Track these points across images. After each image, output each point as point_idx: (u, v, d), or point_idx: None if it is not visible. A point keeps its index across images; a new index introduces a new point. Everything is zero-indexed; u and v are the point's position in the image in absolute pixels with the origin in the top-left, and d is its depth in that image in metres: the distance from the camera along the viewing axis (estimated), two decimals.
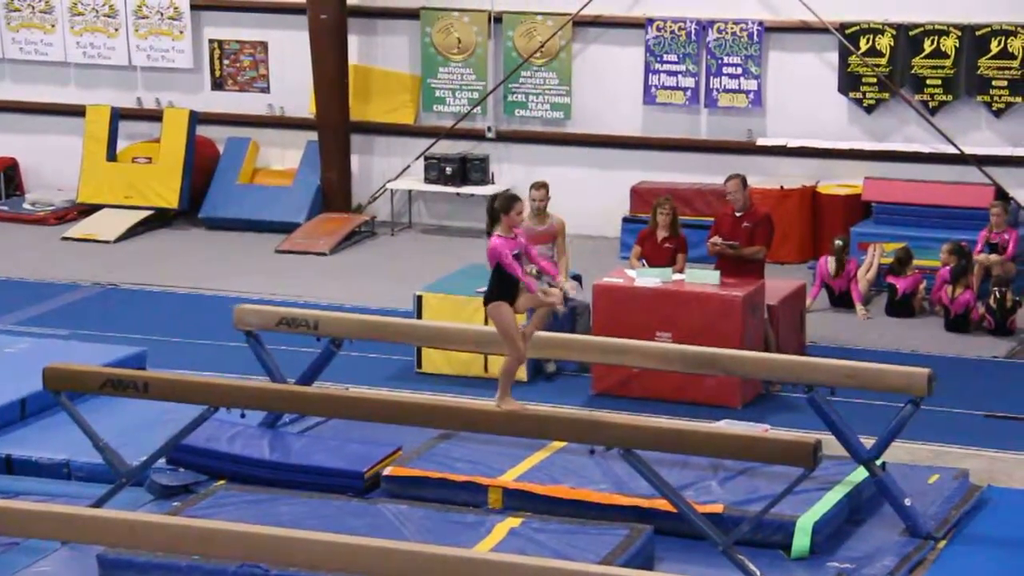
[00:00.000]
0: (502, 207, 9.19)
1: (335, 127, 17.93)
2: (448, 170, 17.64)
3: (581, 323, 13.09)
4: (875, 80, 16.53)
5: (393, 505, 9.65)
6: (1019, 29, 16.05)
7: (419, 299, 13.15)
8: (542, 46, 17.55)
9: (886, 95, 16.58)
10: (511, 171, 17.81)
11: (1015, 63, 16.09)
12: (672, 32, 17.08)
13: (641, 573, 8.26)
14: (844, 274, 14.89)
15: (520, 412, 9.14)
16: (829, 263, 14.94)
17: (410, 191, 18.14)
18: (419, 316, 13.03)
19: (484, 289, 13.07)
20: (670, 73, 17.15)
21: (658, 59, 17.16)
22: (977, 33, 16.18)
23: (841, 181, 16.69)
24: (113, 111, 18.57)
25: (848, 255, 14.99)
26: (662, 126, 17.34)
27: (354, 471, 10.15)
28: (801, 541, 9.28)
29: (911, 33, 16.39)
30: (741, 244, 13.06)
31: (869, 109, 16.69)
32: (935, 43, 16.32)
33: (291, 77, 18.44)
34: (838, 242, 15.01)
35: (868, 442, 9.79)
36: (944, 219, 15.90)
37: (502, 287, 9.18)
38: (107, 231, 17.79)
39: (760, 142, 17.01)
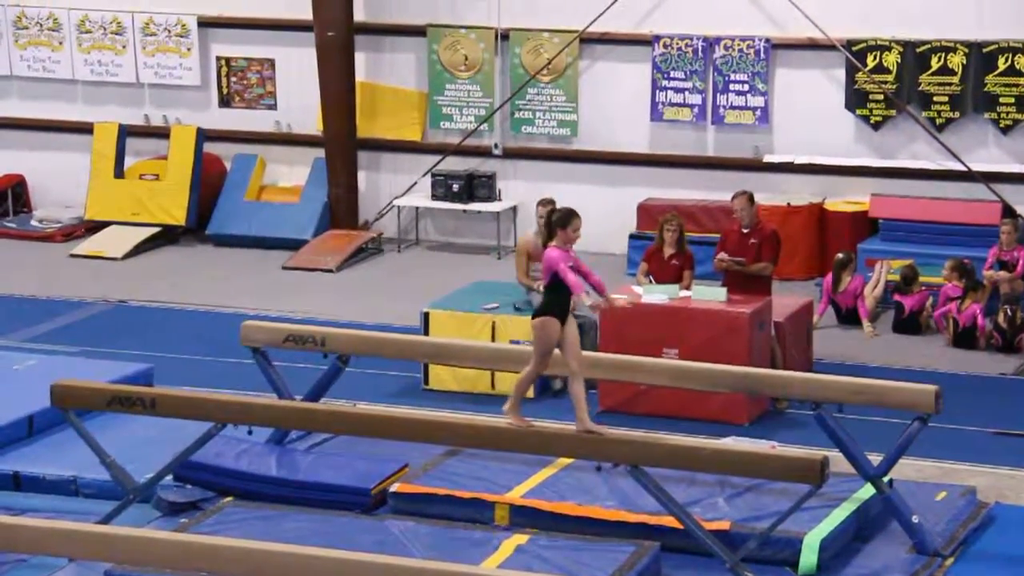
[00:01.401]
0: (559, 222, 9.01)
1: (342, 144, 17.95)
2: (455, 187, 17.66)
3: (588, 340, 13.06)
4: (882, 97, 16.54)
5: (400, 522, 9.64)
6: None
7: (426, 315, 13.16)
8: (549, 63, 17.58)
9: (893, 112, 16.59)
10: (518, 188, 17.82)
11: (1022, 80, 16.09)
12: (679, 49, 17.10)
13: None
14: (850, 290, 14.89)
15: (525, 429, 9.12)
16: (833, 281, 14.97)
17: (417, 208, 18.16)
18: (426, 332, 13.04)
19: (492, 305, 13.20)
20: (677, 90, 17.17)
21: (665, 76, 17.18)
22: (984, 50, 16.19)
23: (848, 198, 16.69)
24: (120, 128, 18.61)
25: (852, 271, 14.97)
26: (669, 143, 17.35)
27: (361, 488, 10.15)
28: (808, 558, 9.27)
29: (918, 50, 16.40)
30: (748, 261, 13.06)
31: (876, 126, 16.70)
32: (942, 60, 16.33)
33: (298, 94, 18.47)
34: (839, 256, 15.02)
35: (875, 459, 9.78)
36: (951, 236, 15.89)
37: (555, 304, 9.00)
38: (114, 248, 17.81)
39: (767, 159, 17.01)
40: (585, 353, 11.74)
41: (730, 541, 9.09)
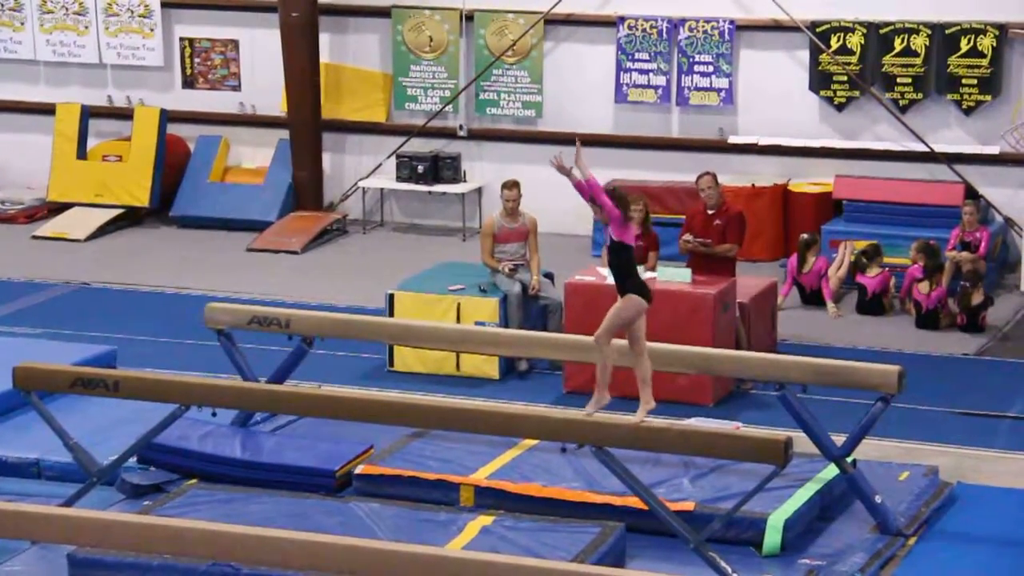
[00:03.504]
0: (617, 204, 8.96)
1: (307, 125, 17.90)
2: (420, 168, 17.63)
3: (553, 321, 13.10)
4: (846, 78, 16.58)
5: (365, 503, 9.64)
6: (988, 27, 16.12)
7: (391, 297, 13.14)
8: (514, 44, 17.55)
9: (857, 93, 16.63)
10: (483, 169, 17.81)
11: (984, 61, 16.16)
12: (643, 30, 17.11)
13: (613, 571, 8.27)
14: (814, 271, 14.94)
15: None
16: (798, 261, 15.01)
17: (382, 189, 18.12)
18: (391, 314, 13.02)
19: (458, 287, 13.21)
20: (641, 71, 17.17)
21: (630, 57, 17.18)
22: (947, 31, 16.24)
23: (812, 179, 16.73)
24: (83, 109, 18.50)
25: (816, 252, 15.02)
26: (634, 124, 17.36)
27: (326, 469, 10.14)
28: (772, 538, 9.31)
29: (881, 31, 16.45)
30: (713, 242, 13.09)
31: (840, 107, 16.74)
32: (905, 41, 16.38)
33: (262, 75, 18.40)
34: (804, 236, 15.08)
35: (839, 439, 9.82)
36: (914, 217, 15.96)
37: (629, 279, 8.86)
38: (77, 230, 17.72)
39: (732, 140, 17.04)
40: (550, 335, 11.78)
41: (694, 521, 9.11)
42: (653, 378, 11.46)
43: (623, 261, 8.91)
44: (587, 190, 8.79)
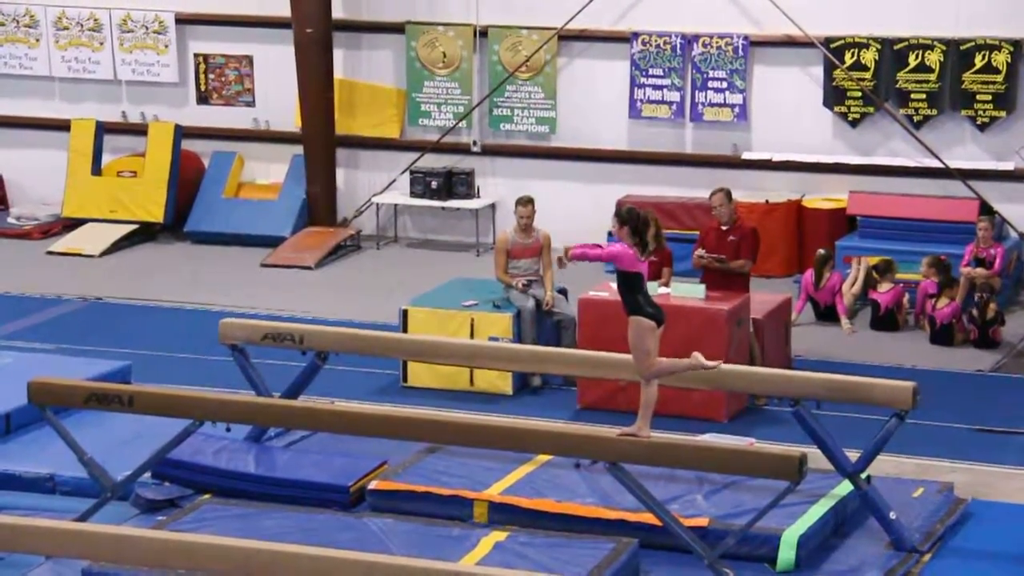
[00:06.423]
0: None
1: (321, 141, 17.93)
2: (434, 184, 17.65)
3: (567, 337, 13.10)
4: (860, 94, 16.58)
5: (379, 519, 9.64)
6: (1003, 43, 16.12)
7: (404, 313, 13.15)
8: (527, 60, 17.57)
9: (871, 109, 16.63)
10: (496, 185, 17.82)
11: (999, 77, 16.15)
12: (657, 46, 17.12)
13: None
14: (828, 287, 14.92)
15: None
16: (814, 276, 15.00)
17: (396, 205, 18.14)
18: (404, 330, 13.03)
19: (471, 302, 13.21)
20: (655, 87, 17.18)
21: (643, 73, 17.19)
22: (961, 47, 16.24)
23: (826, 195, 16.73)
24: (98, 125, 18.55)
25: (831, 268, 15.01)
26: (647, 140, 17.36)
27: (340, 485, 10.14)
28: (786, 555, 9.29)
29: (896, 47, 16.45)
30: (727, 258, 13.08)
31: (854, 123, 16.74)
32: (920, 57, 16.38)
33: (276, 91, 18.44)
34: (820, 252, 15.07)
35: (853, 455, 9.81)
36: (929, 233, 15.93)
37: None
38: (92, 245, 17.76)
39: (745, 156, 17.04)
40: (564, 351, 11.78)
41: (708, 537, 9.10)
42: (667, 393, 11.46)
43: (632, 288, 8.89)
44: (592, 256, 8.80)
